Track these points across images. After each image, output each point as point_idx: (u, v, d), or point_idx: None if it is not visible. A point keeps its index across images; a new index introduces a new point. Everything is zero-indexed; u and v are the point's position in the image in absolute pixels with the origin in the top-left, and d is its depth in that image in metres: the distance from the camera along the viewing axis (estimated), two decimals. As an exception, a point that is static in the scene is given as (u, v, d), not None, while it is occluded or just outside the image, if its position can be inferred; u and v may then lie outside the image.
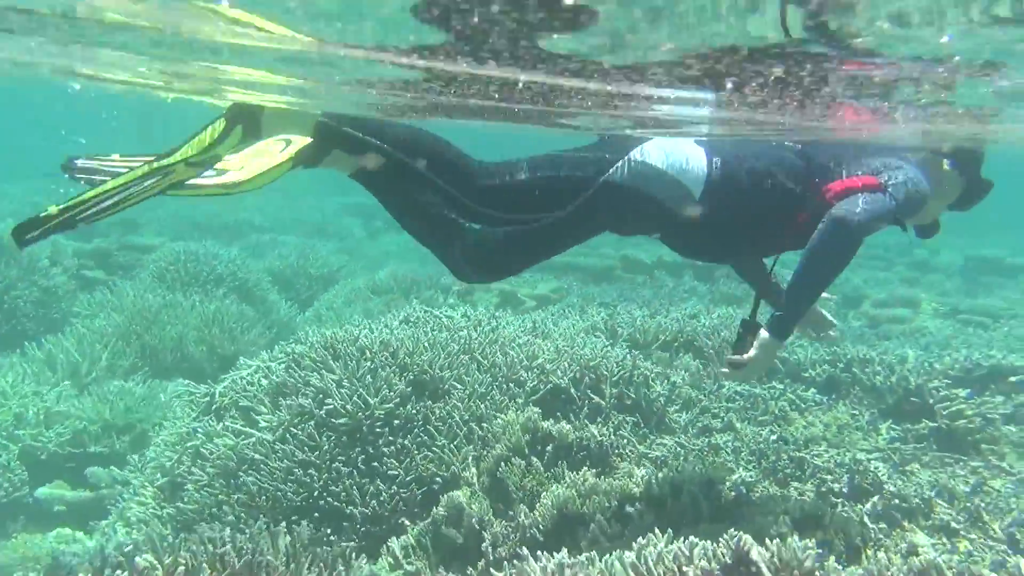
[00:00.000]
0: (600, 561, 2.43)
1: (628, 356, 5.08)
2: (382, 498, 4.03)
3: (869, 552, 2.72)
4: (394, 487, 4.09)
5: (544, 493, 3.70)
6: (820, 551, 2.42)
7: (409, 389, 4.48)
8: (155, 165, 2.59)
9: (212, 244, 10.80)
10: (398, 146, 2.85)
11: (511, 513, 3.78)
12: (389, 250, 16.03)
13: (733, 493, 3.53)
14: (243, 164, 2.79)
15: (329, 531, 3.90)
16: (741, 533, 2.41)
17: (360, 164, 2.87)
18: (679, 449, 4.41)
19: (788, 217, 2.98)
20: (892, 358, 5.77)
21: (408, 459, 4.19)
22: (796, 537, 3.05)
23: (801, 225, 2.93)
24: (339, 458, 4.14)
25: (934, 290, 12.74)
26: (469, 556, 3.66)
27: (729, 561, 2.36)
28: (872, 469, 4.06)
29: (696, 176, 2.91)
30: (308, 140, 2.78)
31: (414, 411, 4.38)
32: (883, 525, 3.44)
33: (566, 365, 4.85)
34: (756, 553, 2.35)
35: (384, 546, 3.86)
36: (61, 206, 2.44)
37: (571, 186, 2.90)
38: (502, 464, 3.97)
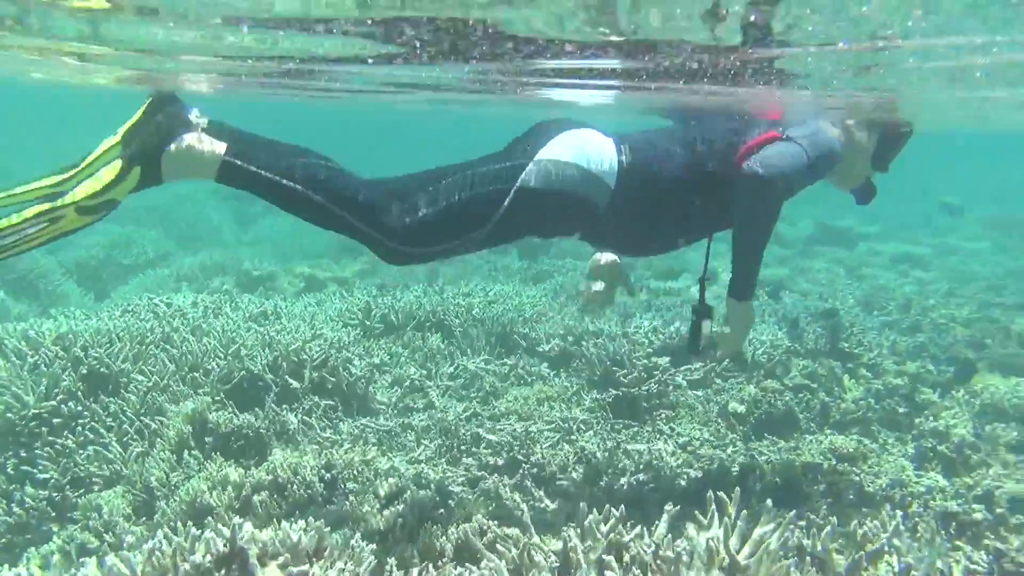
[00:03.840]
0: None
1: (337, 339, 5.05)
2: (27, 504, 3.85)
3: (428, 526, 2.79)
4: (45, 491, 3.91)
5: (182, 487, 3.63)
6: (326, 529, 2.45)
7: (81, 384, 4.30)
8: (42, 209, 2.39)
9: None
10: (310, 185, 2.68)
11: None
12: (262, 236, 15.24)
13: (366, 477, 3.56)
14: None
15: (-35, 543, 3.70)
16: (245, 522, 2.41)
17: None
18: (361, 432, 4.43)
19: (707, 195, 2.94)
20: (618, 329, 6.00)
21: (67, 460, 4.02)
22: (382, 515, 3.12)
23: (723, 201, 2.91)
24: (-15, 463, 3.92)
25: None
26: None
27: (225, 551, 2.36)
28: (537, 442, 4.20)
29: (608, 166, 2.86)
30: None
31: (81, 408, 4.20)
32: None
33: (267, 352, 4.77)
34: (250, 537, 2.36)
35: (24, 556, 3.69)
36: None
37: (487, 201, 2.78)
38: (155, 459, 3.87)
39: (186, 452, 3.89)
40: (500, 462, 4.05)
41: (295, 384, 4.69)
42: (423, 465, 4.09)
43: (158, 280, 10.41)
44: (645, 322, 6.49)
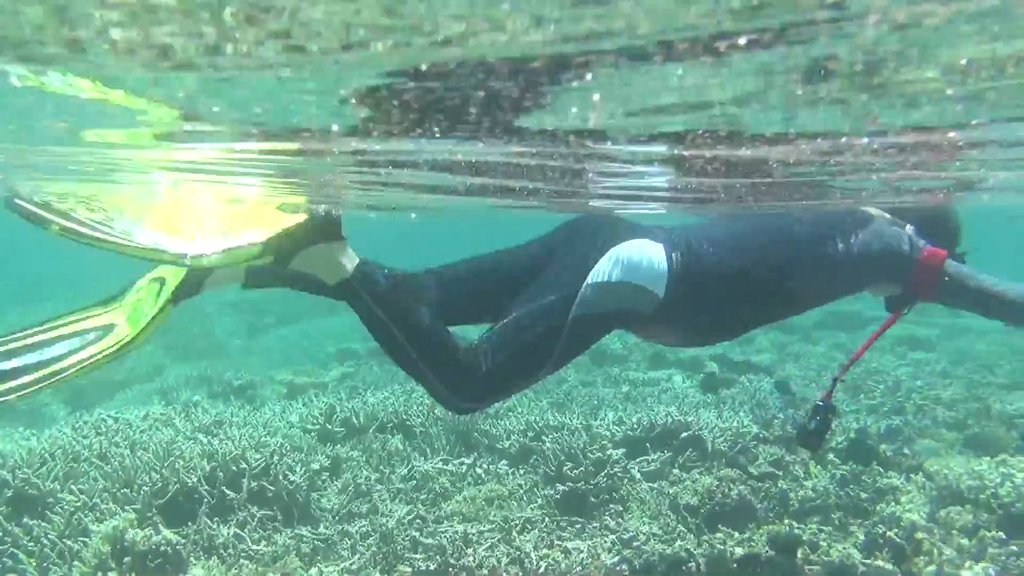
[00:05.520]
0: None
1: (280, 446, 4.94)
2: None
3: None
4: (-41, 621, 3.75)
5: (90, 610, 3.46)
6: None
7: (4, 508, 4.20)
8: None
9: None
10: (407, 333, 2.71)
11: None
12: (270, 346, 15.24)
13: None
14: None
15: None
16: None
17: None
18: (296, 542, 4.26)
19: (765, 294, 2.96)
20: (580, 422, 5.85)
21: (-16, 586, 3.87)
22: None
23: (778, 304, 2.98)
24: None
25: (750, 349, 12.86)
26: None
27: None
28: (473, 544, 4.01)
29: (658, 278, 2.83)
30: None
31: (1, 533, 4.08)
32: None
33: (205, 462, 4.67)
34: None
35: None
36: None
37: (545, 340, 2.78)
38: (69, 581, 3.72)
39: (101, 574, 3.74)
40: (432, 567, 3.86)
41: (232, 495, 4.56)
42: (352, 575, 3.91)
43: (142, 395, 10.39)
44: (611, 414, 6.35)
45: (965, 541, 3.48)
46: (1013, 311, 2.87)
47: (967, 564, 3.33)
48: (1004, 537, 3.64)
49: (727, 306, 2.98)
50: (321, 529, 4.55)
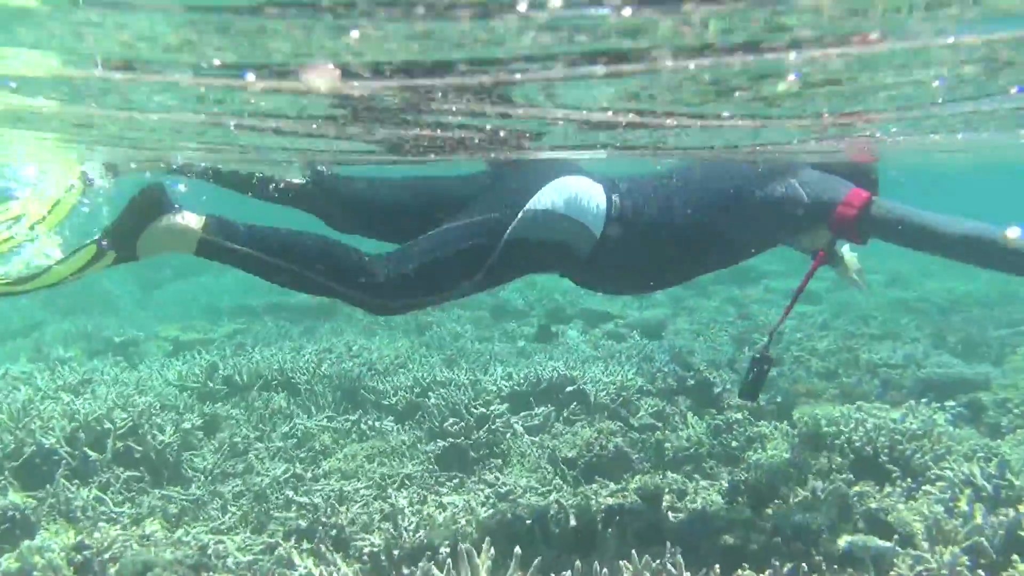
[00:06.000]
0: None
1: (149, 405, 4.72)
2: None
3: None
4: None
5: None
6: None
7: None
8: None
9: None
10: (293, 259, 2.69)
11: None
12: (167, 300, 14.51)
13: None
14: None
15: None
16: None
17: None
18: (163, 504, 4.10)
19: (701, 241, 2.98)
20: (468, 378, 5.84)
21: None
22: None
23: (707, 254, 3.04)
24: None
25: (646, 302, 13.14)
26: None
27: None
28: (347, 501, 3.96)
29: (596, 214, 2.85)
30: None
31: None
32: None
33: (66, 422, 4.41)
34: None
35: None
36: None
37: (475, 255, 2.78)
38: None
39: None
40: (304, 525, 3.79)
41: (95, 456, 4.33)
42: (223, 536, 3.79)
43: (12, 352, 9.79)
44: (500, 369, 6.37)
45: (819, 484, 3.67)
46: (948, 244, 2.84)
47: (815, 505, 3.52)
48: (852, 478, 3.87)
49: (664, 252, 3.02)
50: (192, 489, 4.40)
